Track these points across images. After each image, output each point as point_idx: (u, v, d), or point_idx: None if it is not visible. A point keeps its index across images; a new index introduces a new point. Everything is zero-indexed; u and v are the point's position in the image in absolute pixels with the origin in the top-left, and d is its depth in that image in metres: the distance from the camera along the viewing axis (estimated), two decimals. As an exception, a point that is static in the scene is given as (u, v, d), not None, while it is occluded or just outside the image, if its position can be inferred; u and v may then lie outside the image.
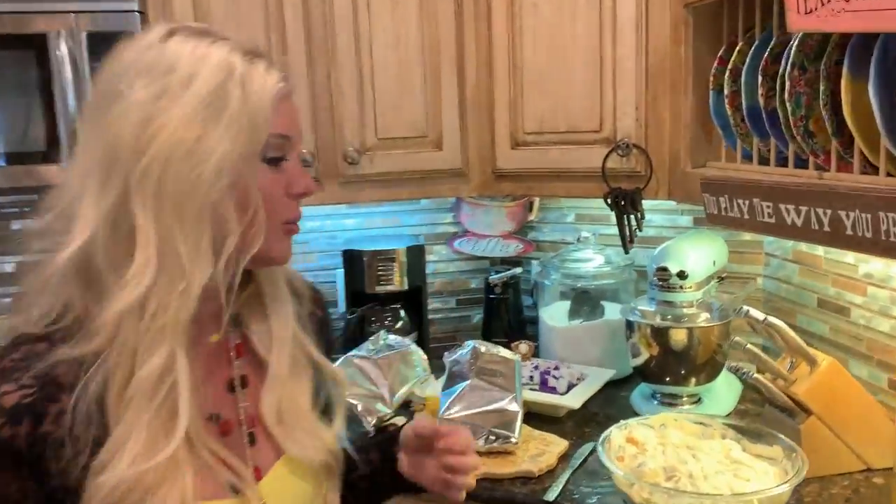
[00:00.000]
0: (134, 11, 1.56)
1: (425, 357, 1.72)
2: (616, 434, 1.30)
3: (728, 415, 1.61)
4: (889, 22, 0.97)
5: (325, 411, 0.94)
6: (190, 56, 0.75)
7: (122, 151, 0.73)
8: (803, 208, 1.14)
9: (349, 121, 1.71)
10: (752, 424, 1.33)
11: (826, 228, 1.10)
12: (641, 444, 1.30)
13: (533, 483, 1.36)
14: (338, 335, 2.02)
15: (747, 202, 1.27)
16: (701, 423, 1.34)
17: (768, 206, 1.23)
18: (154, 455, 0.72)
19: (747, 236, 1.82)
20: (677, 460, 1.22)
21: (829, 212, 1.09)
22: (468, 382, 1.51)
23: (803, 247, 1.67)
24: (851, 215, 1.05)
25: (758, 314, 1.32)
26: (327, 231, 2.08)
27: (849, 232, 1.05)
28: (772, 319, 1.31)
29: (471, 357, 1.53)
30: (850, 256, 1.53)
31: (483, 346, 1.55)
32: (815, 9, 1.06)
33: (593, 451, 1.46)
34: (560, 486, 1.33)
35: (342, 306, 2.05)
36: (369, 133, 1.73)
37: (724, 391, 1.68)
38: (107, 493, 0.71)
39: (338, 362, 1.65)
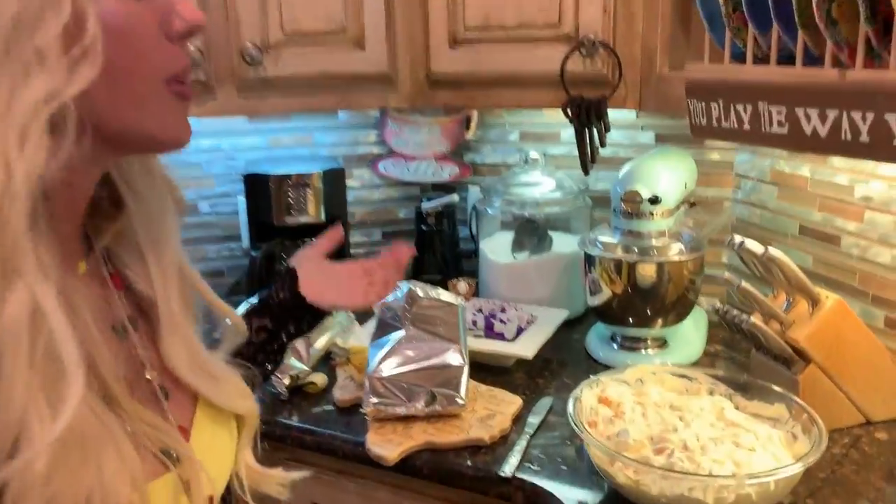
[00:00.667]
0: None
1: (348, 301, 1.43)
2: (587, 394, 1.06)
3: (698, 361, 1.41)
4: None
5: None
6: None
7: None
8: (831, 113, 0.90)
9: (247, 8, 1.37)
10: (744, 376, 1.12)
11: (864, 137, 0.86)
12: (616, 404, 1.07)
13: (484, 453, 1.11)
14: (241, 276, 1.71)
15: (750, 108, 1.03)
16: (684, 377, 1.13)
17: (779, 113, 0.98)
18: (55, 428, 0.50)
19: (715, 155, 1.60)
20: (664, 426, 1.00)
21: (869, 116, 0.85)
22: (403, 333, 1.24)
23: (783, 165, 1.45)
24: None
25: (756, 246, 1.09)
26: (225, 151, 1.74)
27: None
28: (772, 251, 1.08)
29: (406, 302, 1.26)
30: (843, 177, 1.32)
31: (420, 289, 1.28)
32: None
33: (552, 408, 1.23)
34: (518, 456, 1.09)
35: (246, 241, 1.73)
36: (273, 25, 1.38)
37: (691, 333, 1.47)
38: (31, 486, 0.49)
39: (240, 309, 1.36)
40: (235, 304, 1.19)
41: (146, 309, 0.69)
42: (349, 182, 1.76)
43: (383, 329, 1.27)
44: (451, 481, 1.10)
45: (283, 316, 0.99)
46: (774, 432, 1.00)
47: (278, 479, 0.78)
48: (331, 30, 1.41)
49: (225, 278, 1.78)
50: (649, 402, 1.07)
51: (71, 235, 0.62)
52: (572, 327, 1.55)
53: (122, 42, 0.53)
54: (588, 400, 1.06)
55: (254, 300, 1.00)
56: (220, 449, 0.72)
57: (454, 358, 1.22)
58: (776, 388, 1.05)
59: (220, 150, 1.74)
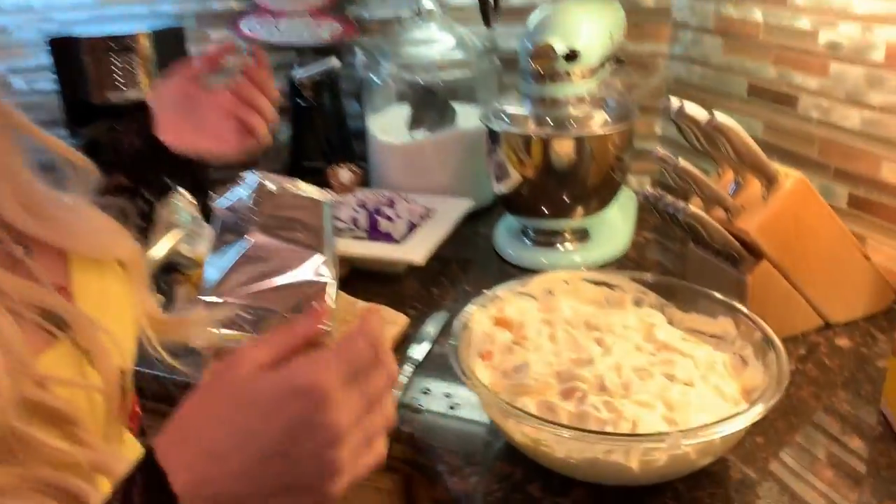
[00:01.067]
0: None
1: (192, 199, 1.13)
2: (479, 316, 0.81)
3: (626, 256, 1.18)
4: None
5: None
6: None
7: None
8: None
9: None
10: (679, 281, 0.88)
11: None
12: (518, 326, 0.82)
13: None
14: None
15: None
16: (605, 285, 0.88)
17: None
18: None
19: (649, 1, 1.30)
20: (576, 356, 0.76)
21: None
22: (250, 242, 0.95)
23: (731, 10, 1.17)
24: None
25: (699, 111, 0.82)
26: (38, 11, 1.36)
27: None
28: (720, 118, 0.82)
29: (253, 201, 0.96)
30: (805, 19, 1.05)
31: (272, 182, 0.98)
32: None
33: (449, 322, 0.98)
34: (395, 401, 0.85)
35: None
36: None
37: (618, 222, 1.23)
38: None
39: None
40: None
41: None
42: (202, 47, 1.42)
43: (224, 237, 0.98)
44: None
45: (139, 168, 0.77)
46: (718, 356, 0.77)
47: (193, 323, 0.62)
48: None
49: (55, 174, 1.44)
50: (559, 320, 0.83)
51: None
52: (479, 221, 1.29)
53: None
54: (480, 323, 0.81)
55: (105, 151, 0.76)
56: (114, 308, 0.61)
57: (317, 271, 0.95)
58: (720, 297, 0.81)
59: (31, 11, 1.36)
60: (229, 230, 0.97)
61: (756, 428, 0.72)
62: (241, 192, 0.98)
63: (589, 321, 0.83)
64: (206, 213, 1.08)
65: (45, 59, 1.37)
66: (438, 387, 0.87)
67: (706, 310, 0.82)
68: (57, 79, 1.26)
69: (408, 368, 0.89)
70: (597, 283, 0.88)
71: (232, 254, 0.95)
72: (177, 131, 0.78)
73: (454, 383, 0.87)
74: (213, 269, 0.93)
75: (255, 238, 0.95)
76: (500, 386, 0.74)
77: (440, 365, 0.91)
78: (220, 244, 0.97)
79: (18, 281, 0.53)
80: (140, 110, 0.78)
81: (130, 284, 0.65)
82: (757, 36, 1.13)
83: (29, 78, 1.38)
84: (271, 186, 0.98)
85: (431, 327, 0.98)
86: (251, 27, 1.46)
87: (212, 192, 1.04)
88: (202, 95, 0.80)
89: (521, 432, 0.68)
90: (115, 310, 0.62)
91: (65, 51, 1.21)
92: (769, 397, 0.66)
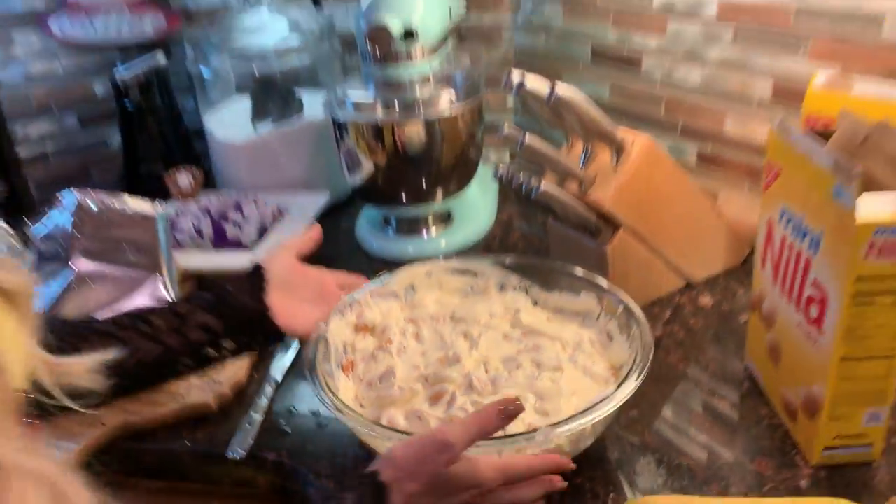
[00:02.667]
0: None
1: (5, 226, 1.01)
2: (336, 325, 0.75)
3: (491, 233, 1.15)
4: None
5: None
6: None
7: None
8: None
9: None
10: (539, 260, 0.86)
11: None
12: (381, 330, 0.77)
13: (212, 423, 0.79)
14: None
15: None
16: (468, 272, 0.84)
17: None
18: None
19: (486, -29, 1.27)
20: (442, 353, 0.72)
21: None
22: (73, 270, 0.86)
23: (567, -25, 1.15)
24: None
25: (541, 84, 0.79)
26: None
27: None
28: (561, 90, 0.79)
29: (73, 224, 0.87)
30: (638, -20, 1.04)
31: (93, 202, 0.89)
32: None
33: (297, 356, 0.92)
34: (256, 426, 0.78)
35: None
36: None
37: (480, 202, 1.20)
38: None
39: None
40: None
41: None
42: (15, 52, 1.27)
43: (46, 267, 0.87)
44: (165, 474, 0.78)
45: (233, 327, 0.70)
46: (584, 334, 0.75)
47: (84, 366, 0.56)
48: None
49: None
50: (424, 316, 0.79)
51: None
52: (340, 214, 1.23)
53: None
54: (339, 333, 0.75)
55: (207, 293, 0.71)
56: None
57: (156, 294, 0.87)
58: (580, 273, 0.79)
59: None
60: (50, 259, 0.87)
61: (628, 401, 0.71)
62: (58, 217, 0.88)
63: (455, 314, 0.79)
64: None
65: None
66: (304, 405, 0.81)
67: (569, 287, 0.80)
68: None
69: (269, 389, 0.83)
70: (459, 273, 0.84)
71: (55, 286, 0.85)
72: (288, 312, 0.72)
73: (316, 404, 0.81)
74: (39, 304, 0.84)
75: (79, 266, 0.86)
76: (366, 398, 0.69)
77: (305, 380, 0.85)
78: (43, 276, 0.87)
79: None
80: (258, 275, 0.72)
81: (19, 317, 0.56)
82: (595, 1, 1.12)
83: None
84: (92, 206, 0.88)
85: (291, 341, 0.91)
86: (63, 27, 1.31)
87: (26, 219, 0.93)
88: (312, 273, 0.77)
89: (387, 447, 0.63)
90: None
91: None
92: (636, 374, 0.64)
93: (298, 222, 1.11)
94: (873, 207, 0.57)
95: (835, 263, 0.61)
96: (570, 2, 1.16)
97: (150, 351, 0.66)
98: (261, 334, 0.71)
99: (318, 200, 1.17)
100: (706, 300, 0.93)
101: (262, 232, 1.08)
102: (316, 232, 0.80)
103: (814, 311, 0.64)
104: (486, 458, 0.57)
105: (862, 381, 0.63)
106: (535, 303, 0.81)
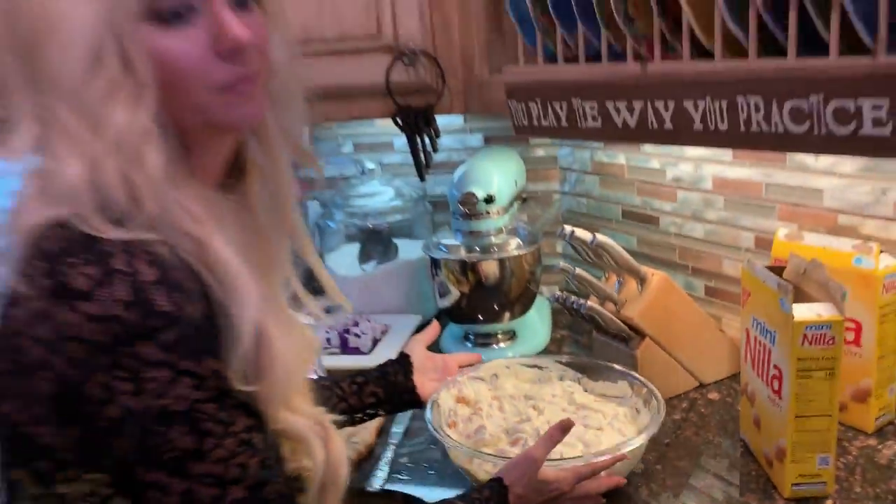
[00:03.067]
0: None
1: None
2: (444, 396, 1.08)
3: (547, 349, 1.48)
4: None
5: None
6: None
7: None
8: (637, 104, 0.97)
9: None
10: (588, 359, 1.18)
11: (668, 125, 0.94)
12: (474, 402, 1.09)
13: (353, 471, 1.10)
14: None
15: (565, 105, 1.08)
16: (536, 367, 1.17)
17: (592, 108, 1.04)
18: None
19: (541, 151, 1.68)
20: (518, 418, 1.04)
21: (671, 104, 0.93)
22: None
23: (602, 156, 1.55)
24: (701, 105, 0.89)
25: (585, 234, 1.15)
26: None
27: (698, 126, 0.90)
28: (600, 237, 1.15)
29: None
30: (655, 161, 1.42)
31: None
32: None
33: (413, 415, 1.24)
34: (386, 468, 1.09)
35: None
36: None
37: (537, 323, 1.53)
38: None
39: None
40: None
41: None
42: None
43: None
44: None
45: (392, 396, 1.05)
46: (620, 409, 1.06)
47: None
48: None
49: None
50: (505, 395, 1.11)
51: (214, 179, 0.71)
52: (426, 331, 1.57)
53: (171, 69, 0.62)
54: (446, 402, 1.07)
55: (375, 371, 1.07)
56: None
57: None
58: (617, 367, 1.11)
59: None
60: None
61: (655, 457, 1.01)
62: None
63: (527, 394, 1.11)
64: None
65: None
66: (415, 457, 1.12)
67: (609, 378, 1.12)
68: None
69: (390, 449, 1.14)
70: (530, 366, 1.17)
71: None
72: (424, 383, 1.08)
73: (426, 451, 1.12)
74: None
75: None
76: (469, 444, 1.00)
77: (414, 442, 1.16)
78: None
79: None
80: (406, 359, 1.08)
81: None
82: (623, 175, 1.50)
83: None
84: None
85: (404, 416, 1.23)
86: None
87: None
88: (437, 358, 1.13)
89: (484, 470, 0.94)
90: None
91: None
92: (651, 429, 0.95)
93: (400, 336, 1.45)
94: (805, 312, 0.90)
95: (784, 350, 0.92)
96: (604, 174, 1.55)
97: (337, 405, 0.99)
98: (407, 403, 1.06)
99: (411, 321, 1.52)
100: (714, 395, 1.23)
101: (375, 343, 1.42)
102: (435, 327, 1.16)
103: (775, 385, 0.95)
104: (562, 468, 0.88)
105: (811, 434, 0.93)
106: (585, 389, 1.13)
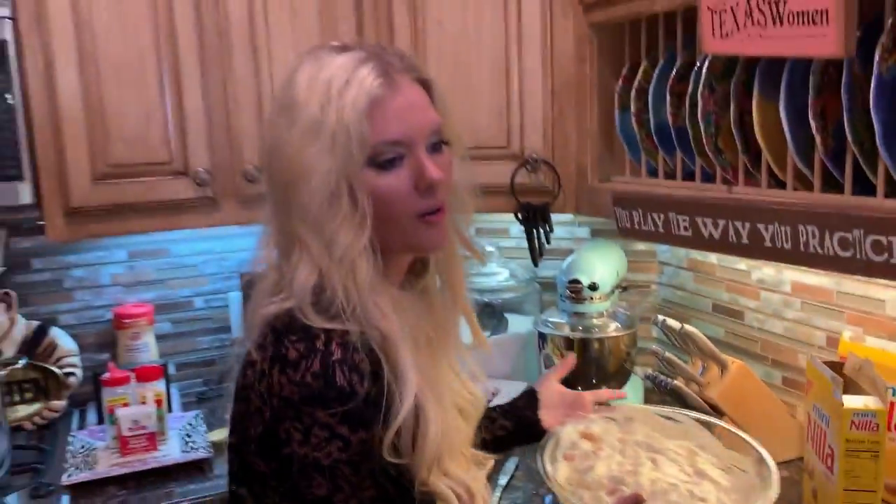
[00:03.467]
0: (4, 18, 1.40)
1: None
2: (569, 430, 1.20)
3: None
4: (799, 48, 1.04)
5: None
6: (302, 86, 0.85)
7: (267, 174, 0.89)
8: (721, 221, 1.20)
9: (248, 136, 1.63)
10: (726, 426, 1.25)
11: (745, 241, 1.16)
12: (598, 439, 1.20)
13: None
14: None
15: (662, 216, 1.32)
16: (671, 419, 1.26)
17: (684, 220, 1.28)
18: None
19: (641, 246, 1.90)
20: (631, 467, 1.15)
21: (747, 225, 1.15)
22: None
23: (696, 255, 1.76)
24: (770, 228, 1.11)
25: (674, 323, 1.37)
26: (216, 254, 1.97)
27: (768, 244, 1.12)
28: (688, 327, 1.37)
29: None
30: (742, 263, 1.63)
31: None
32: (731, 33, 1.12)
33: (517, 467, 1.46)
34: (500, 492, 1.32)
35: (236, 331, 1.94)
36: (270, 150, 1.65)
37: (632, 397, 1.73)
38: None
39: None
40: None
41: None
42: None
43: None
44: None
45: (519, 430, 1.22)
46: (736, 484, 1.11)
47: None
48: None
49: (216, 366, 1.97)
50: (631, 440, 1.21)
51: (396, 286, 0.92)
52: (530, 397, 1.80)
53: (385, 202, 0.84)
54: (569, 435, 1.20)
55: (506, 406, 1.25)
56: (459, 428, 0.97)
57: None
58: (752, 443, 1.16)
59: (213, 253, 1.96)
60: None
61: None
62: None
63: (653, 444, 1.19)
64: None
65: (220, 285, 1.96)
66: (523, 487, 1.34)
67: (741, 449, 1.18)
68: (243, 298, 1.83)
69: (494, 498, 1.36)
70: (666, 417, 1.27)
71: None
72: (550, 418, 1.22)
73: (528, 501, 1.34)
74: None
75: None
76: (572, 480, 1.18)
77: (516, 493, 1.38)
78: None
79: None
80: (533, 394, 1.25)
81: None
82: (714, 272, 1.71)
83: (207, 299, 1.95)
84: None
85: (508, 468, 1.46)
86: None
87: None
88: (567, 394, 1.26)
89: (578, 510, 1.14)
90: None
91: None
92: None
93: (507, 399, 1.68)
94: (854, 402, 1.09)
95: (836, 433, 1.11)
96: (698, 271, 1.76)
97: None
98: (533, 437, 1.20)
99: (520, 385, 1.75)
100: (784, 473, 1.40)
101: (488, 402, 1.67)
102: (570, 361, 1.33)
103: (829, 462, 1.13)
104: None
105: (859, 506, 1.10)
106: (716, 457, 1.18)
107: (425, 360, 0.87)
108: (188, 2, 1.55)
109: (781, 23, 1.04)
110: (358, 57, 0.85)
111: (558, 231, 1.91)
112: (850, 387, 1.12)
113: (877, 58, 0.97)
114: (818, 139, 1.06)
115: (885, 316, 1.33)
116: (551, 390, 1.26)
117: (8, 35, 1.41)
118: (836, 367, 1.17)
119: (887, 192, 1.01)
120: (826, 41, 0.99)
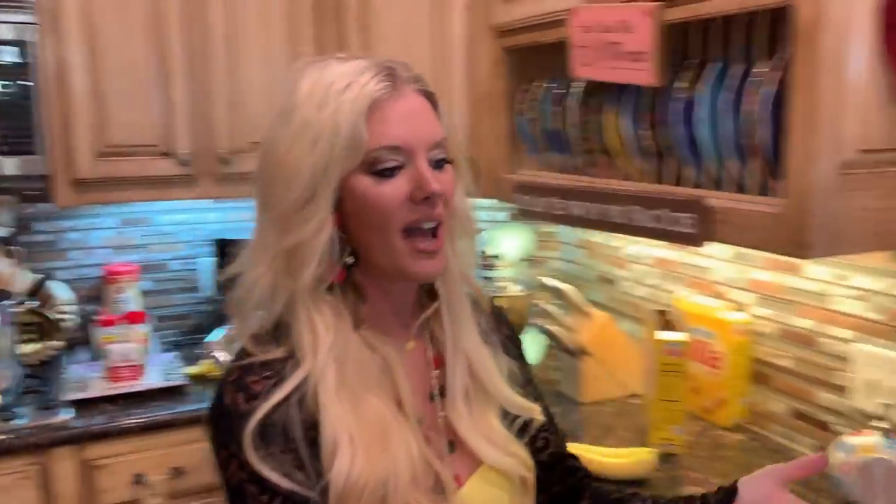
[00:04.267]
0: (30, 24, 1.74)
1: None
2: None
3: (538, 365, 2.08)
4: (631, 77, 1.44)
5: (522, 430, 0.92)
6: (303, 90, 0.81)
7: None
8: (585, 204, 1.61)
9: (222, 126, 1.99)
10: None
11: (597, 217, 1.57)
12: None
13: None
14: (207, 313, 2.27)
15: (545, 200, 1.73)
16: None
17: (560, 203, 1.68)
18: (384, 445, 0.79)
19: (549, 228, 2.31)
20: None
21: (597, 206, 1.56)
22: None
23: (587, 235, 2.18)
24: (614, 208, 1.52)
25: (551, 282, 1.78)
26: (191, 224, 2.32)
27: (611, 219, 1.52)
28: (562, 285, 1.77)
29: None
30: (616, 241, 2.04)
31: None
32: (591, 63, 1.52)
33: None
34: None
35: (206, 290, 2.30)
36: (239, 137, 2.01)
37: (531, 348, 2.14)
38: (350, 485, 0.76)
39: (214, 335, 1.92)
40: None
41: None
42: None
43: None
44: None
45: None
46: None
47: None
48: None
49: (189, 319, 2.32)
50: None
51: (404, 321, 0.88)
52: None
53: (377, 210, 0.80)
54: None
55: (697, 499, 0.92)
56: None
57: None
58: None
59: (186, 224, 2.31)
60: None
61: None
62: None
63: None
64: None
65: (192, 251, 2.31)
66: None
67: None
68: (218, 261, 2.19)
69: None
70: None
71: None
72: None
73: None
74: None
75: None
76: None
77: None
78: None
79: (434, 459, 0.82)
80: (730, 490, 0.88)
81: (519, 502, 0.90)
82: (598, 249, 2.12)
83: (182, 262, 2.30)
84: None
85: None
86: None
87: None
88: (783, 499, 0.85)
89: None
90: None
91: (225, 246, 2.16)
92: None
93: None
94: (665, 336, 1.50)
95: (655, 358, 1.52)
96: (587, 248, 2.17)
97: None
98: None
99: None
100: (636, 401, 1.81)
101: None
102: (821, 461, 0.89)
103: (651, 380, 1.54)
104: None
105: (670, 413, 1.51)
106: None
107: (369, 400, 0.81)
108: (178, 13, 1.91)
109: (620, 58, 1.45)
110: (363, 64, 0.82)
111: (482, 214, 2.31)
112: (668, 328, 1.54)
113: (679, 86, 1.38)
114: (648, 143, 1.47)
115: (707, 279, 1.75)
116: (760, 490, 0.88)
117: (32, 37, 1.75)
118: (662, 314, 1.59)
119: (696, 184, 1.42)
120: (646, 73, 1.39)
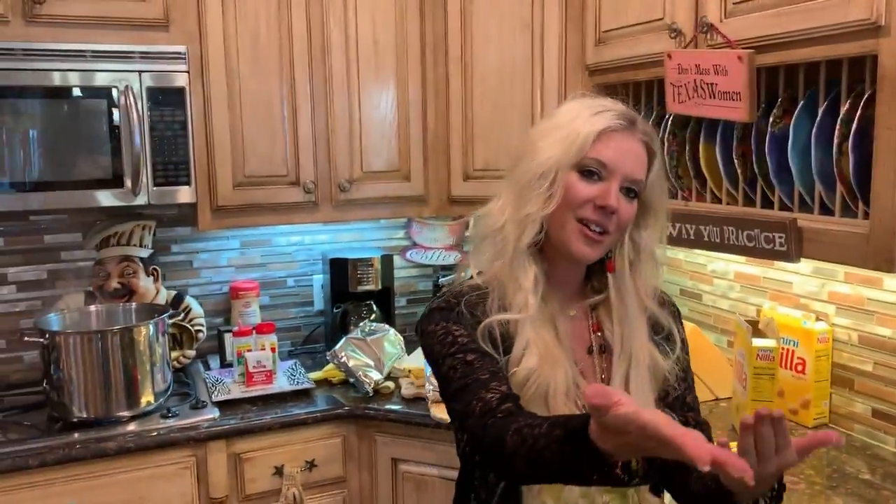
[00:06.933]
0: (184, 72, 2.01)
1: (401, 338, 2.24)
2: None
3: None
4: (725, 113, 1.63)
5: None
6: (564, 108, 1.16)
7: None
8: (678, 224, 1.79)
9: (342, 156, 2.23)
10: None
11: (692, 237, 1.75)
12: None
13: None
14: (322, 324, 2.50)
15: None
16: None
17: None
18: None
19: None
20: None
21: (693, 227, 1.74)
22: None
23: (668, 253, 2.35)
24: (707, 228, 1.70)
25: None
26: (306, 245, 2.56)
27: (705, 239, 1.71)
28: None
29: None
30: (701, 258, 2.22)
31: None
32: (685, 101, 1.71)
33: None
34: None
35: (319, 304, 2.53)
36: (356, 167, 2.25)
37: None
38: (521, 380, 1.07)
39: (339, 343, 2.14)
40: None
41: (608, 349, 1.17)
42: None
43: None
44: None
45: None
46: None
47: None
48: (390, 170, 2.29)
49: (301, 332, 2.56)
50: None
51: (568, 293, 1.19)
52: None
53: (571, 197, 1.09)
54: None
55: None
56: None
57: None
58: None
59: (302, 245, 2.55)
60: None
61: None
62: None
63: None
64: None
65: (307, 269, 2.55)
66: None
67: None
68: (329, 278, 2.42)
69: None
70: None
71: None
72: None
73: None
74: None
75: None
76: None
77: None
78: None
79: (577, 376, 1.13)
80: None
81: None
82: (681, 266, 2.30)
83: (297, 279, 2.54)
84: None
85: None
86: (412, 255, 2.64)
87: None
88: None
89: None
90: None
91: (337, 264, 2.39)
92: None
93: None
94: (758, 343, 1.67)
95: (748, 363, 1.69)
96: (671, 266, 2.35)
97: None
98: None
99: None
100: (724, 404, 1.98)
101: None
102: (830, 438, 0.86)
103: (744, 383, 1.71)
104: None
105: (762, 411, 1.68)
106: None
107: (544, 334, 1.10)
108: (304, 58, 2.16)
109: (714, 97, 1.64)
110: (614, 104, 1.13)
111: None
112: (760, 336, 1.71)
113: (770, 121, 1.56)
114: (739, 172, 1.65)
115: (789, 292, 1.92)
116: None
117: (185, 83, 2.01)
118: (754, 324, 1.76)
119: (781, 206, 1.60)
120: (740, 111, 1.58)
